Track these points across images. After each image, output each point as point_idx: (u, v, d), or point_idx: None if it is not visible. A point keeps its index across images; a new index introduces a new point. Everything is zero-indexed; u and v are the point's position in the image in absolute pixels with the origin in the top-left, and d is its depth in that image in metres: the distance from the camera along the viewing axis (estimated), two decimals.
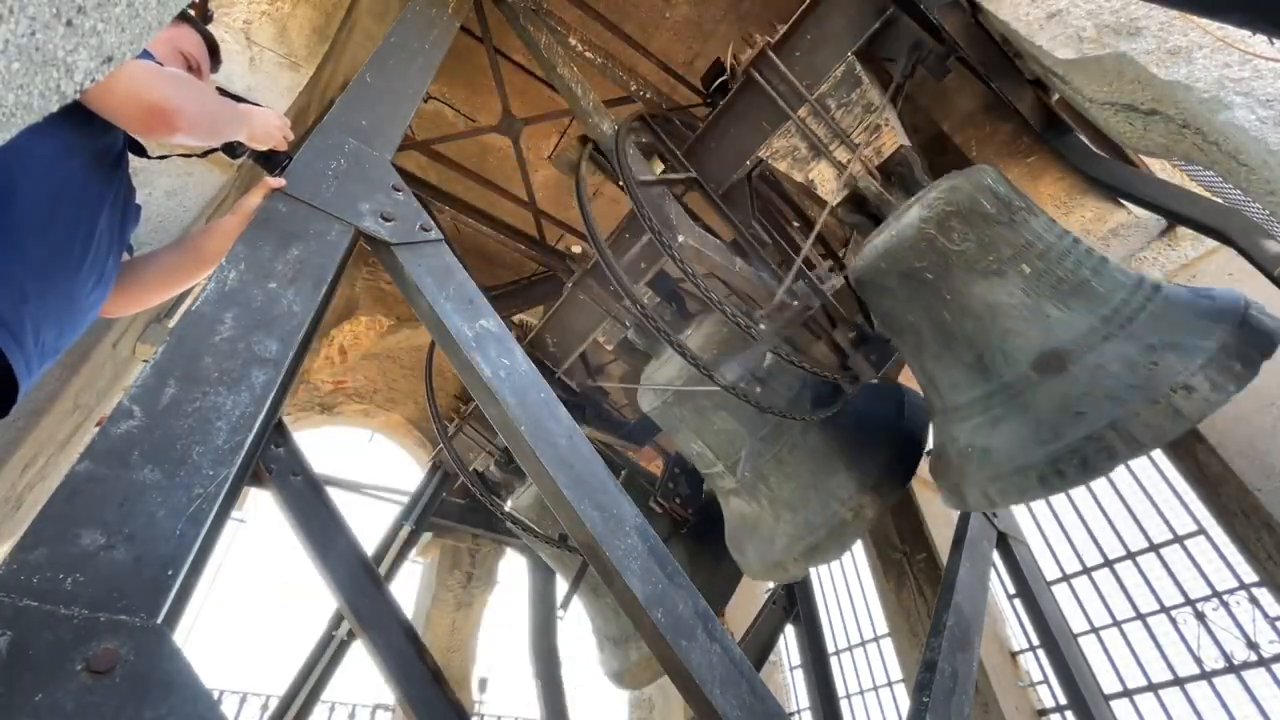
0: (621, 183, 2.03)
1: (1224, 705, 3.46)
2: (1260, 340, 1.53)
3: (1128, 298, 1.74)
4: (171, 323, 2.30)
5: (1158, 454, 3.75)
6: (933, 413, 2.21)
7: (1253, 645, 3.43)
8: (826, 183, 2.25)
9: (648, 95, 3.00)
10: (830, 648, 3.84)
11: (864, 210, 2.26)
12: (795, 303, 2.22)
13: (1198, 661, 3.59)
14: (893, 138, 2.19)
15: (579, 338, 2.84)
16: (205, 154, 1.83)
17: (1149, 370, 1.54)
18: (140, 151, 1.45)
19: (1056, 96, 2.81)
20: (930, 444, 2.42)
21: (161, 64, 1.30)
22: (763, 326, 2.04)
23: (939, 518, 4.55)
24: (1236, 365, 1.48)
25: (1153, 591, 3.89)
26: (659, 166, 2.47)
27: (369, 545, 2.69)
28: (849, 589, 5.84)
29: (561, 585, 3.46)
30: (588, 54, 2.82)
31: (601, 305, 2.69)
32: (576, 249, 3.50)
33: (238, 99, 1.48)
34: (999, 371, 1.81)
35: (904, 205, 2.02)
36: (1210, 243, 2.68)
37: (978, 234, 1.85)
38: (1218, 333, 1.55)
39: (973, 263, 1.84)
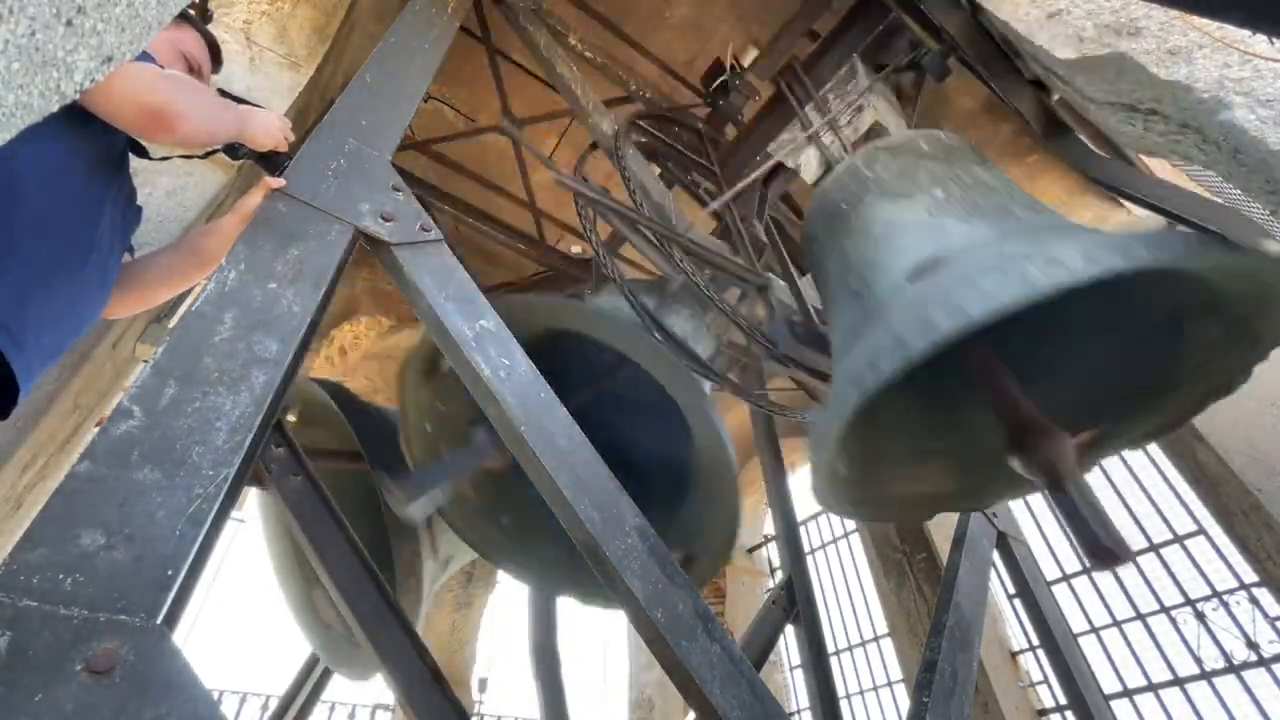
0: (631, 187, 2.03)
1: (1224, 705, 3.46)
2: (1194, 238, 1.17)
3: (1055, 223, 1.42)
4: (171, 323, 2.30)
5: (1158, 454, 3.75)
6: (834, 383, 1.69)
7: (1253, 645, 3.43)
8: (809, 165, 2.27)
9: (648, 95, 3.00)
10: (830, 648, 3.84)
11: None
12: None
13: (1198, 661, 3.60)
14: (871, 115, 2.17)
15: None
16: (206, 155, 1.84)
17: (1022, 257, 1.12)
18: (141, 153, 1.45)
19: (1056, 96, 2.81)
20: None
21: (162, 65, 1.31)
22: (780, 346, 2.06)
23: (939, 518, 4.55)
24: (1139, 248, 1.05)
25: (1153, 591, 3.89)
26: (657, 169, 2.49)
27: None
28: (849, 589, 5.85)
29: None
30: (588, 54, 2.82)
31: None
32: (576, 249, 3.50)
33: (238, 100, 1.48)
34: (876, 290, 1.46)
35: None
36: None
37: (901, 163, 1.66)
38: (1139, 232, 1.10)
39: (885, 186, 1.63)
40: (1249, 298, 1.21)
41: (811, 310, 2.29)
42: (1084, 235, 1.19)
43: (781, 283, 2.33)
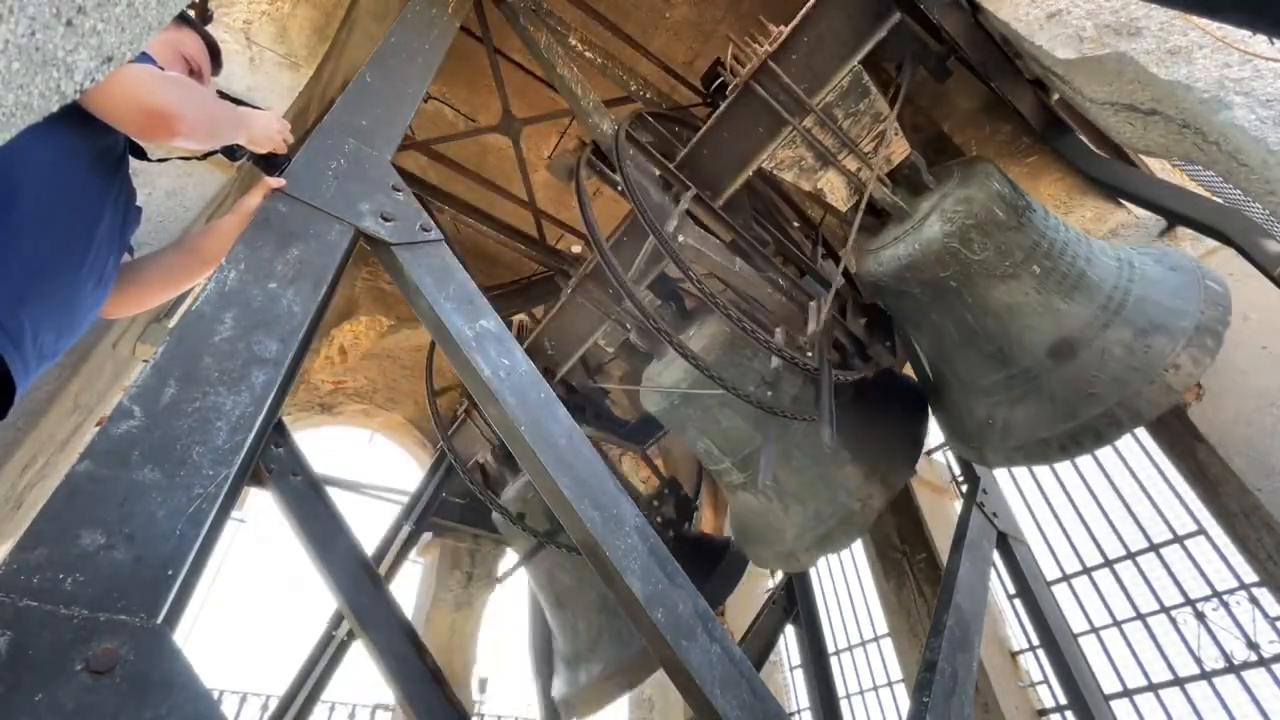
0: (621, 187, 2.02)
1: (1224, 705, 3.46)
2: (1221, 314, 1.92)
3: (1116, 283, 2.07)
4: (171, 323, 2.30)
5: (1158, 454, 3.75)
6: (944, 390, 2.41)
7: (1253, 645, 3.43)
8: (837, 190, 2.26)
9: (648, 95, 3.00)
10: (830, 648, 3.84)
11: (870, 210, 2.28)
12: (812, 307, 2.25)
13: (1198, 661, 3.60)
14: (902, 145, 2.26)
15: (578, 342, 2.81)
16: (205, 156, 1.83)
17: (1145, 354, 1.90)
18: (140, 154, 1.45)
19: (1056, 96, 2.81)
20: (936, 419, 2.58)
21: (162, 67, 1.30)
22: (810, 355, 2.08)
23: (939, 518, 4.56)
24: (1208, 340, 1.86)
25: (1153, 591, 3.89)
26: (657, 170, 2.46)
27: (369, 545, 2.69)
28: (849, 589, 5.84)
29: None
30: (588, 54, 2.82)
31: (601, 308, 2.67)
32: (576, 249, 3.51)
33: (238, 102, 1.48)
34: (1017, 359, 2.11)
35: (919, 213, 2.16)
36: (1210, 243, 2.68)
37: (994, 243, 2.08)
38: (1190, 313, 1.92)
39: (991, 270, 2.10)
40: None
41: (852, 313, 2.35)
42: (1164, 317, 2.00)
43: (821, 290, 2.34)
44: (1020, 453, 2.11)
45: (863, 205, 2.18)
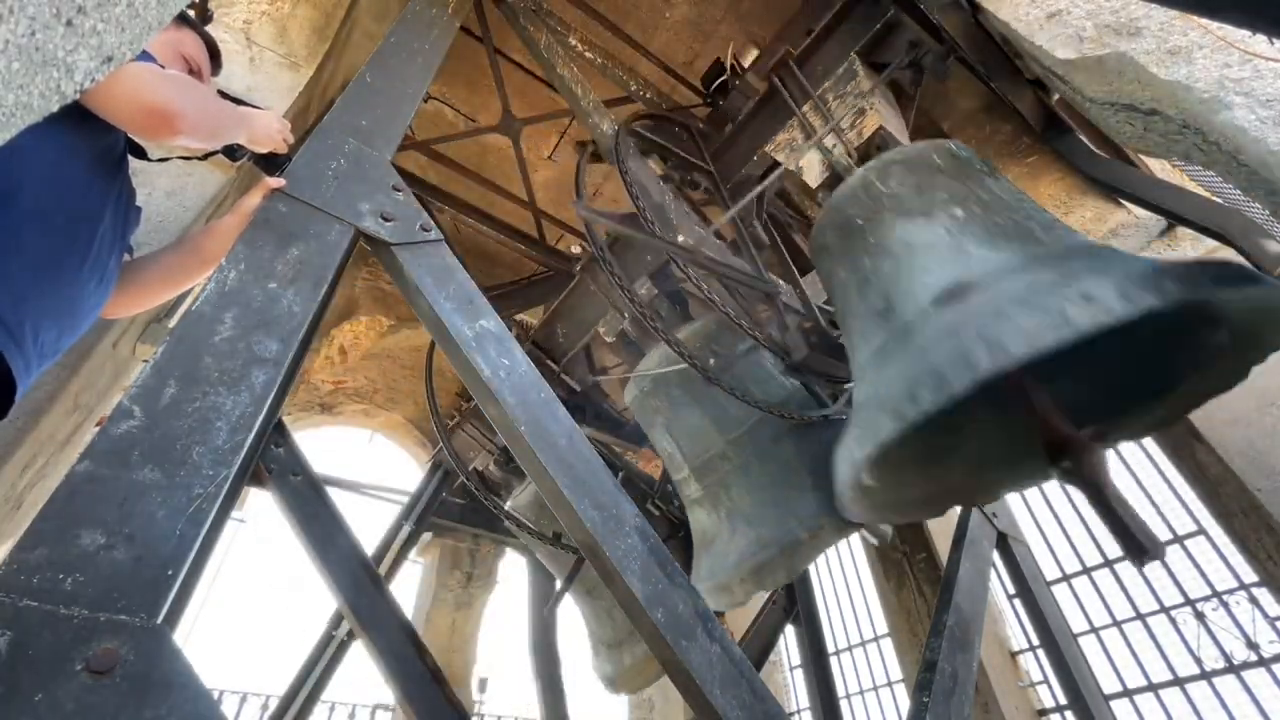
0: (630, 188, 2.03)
1: (1224, 705, 3.46)
2: (1219, 270, 1.15)
3: (1074, 245, 1.45)
4: (171, 323, 2.30)
5: (1158, 454, 3.75)
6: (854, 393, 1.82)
7: (1253, 645, 3.43)
8: (811, 168, 2.26)
9: (648, 95, 3.00)
10: (830, 648, 3.84)
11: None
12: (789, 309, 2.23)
13: (1198, 661, 3.60)
14: (875, 120, 2.15)
15: (584, 328, 2.84)
16: (205, 156, 1.83)
17: (1053, 288, 1.19)
18: (140, 153, 1.45)
19: (1056, 96, 2.81)
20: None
21: (162, 66, 1.31)
22: (791, 353, 2.06)
23: (939, 518, 4.55)
24: (1169, 283, 1.10)
25: (1153, 591, 3.89)
26: (658, 168, 2.48)
27: (369, 545, 2.69)
28: (849, 589, 5.85)
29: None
30: (588, 54, 2.82)
31: (606, 295, 2.70)
32: (576, 249, 3.50)
33: (238, 101, 1.48)
34: (900, 312, 1.51)
35: None
36: (1210, 243, 2.68)
37: (916, 179, 1.67)
38: (1160, 263, 1.18)
39: (901, 204, 1.65)
40: (1257, 313, 1.25)
41: (816, 311, 2.29)
42: (1111, 265, 1.24)
43: (786, 285, 2.33)
44: (860, 439, 1.33)
45: (821, 175, 2.18)
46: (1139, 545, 1.18)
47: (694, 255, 2.03)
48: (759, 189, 2.24)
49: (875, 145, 2.14)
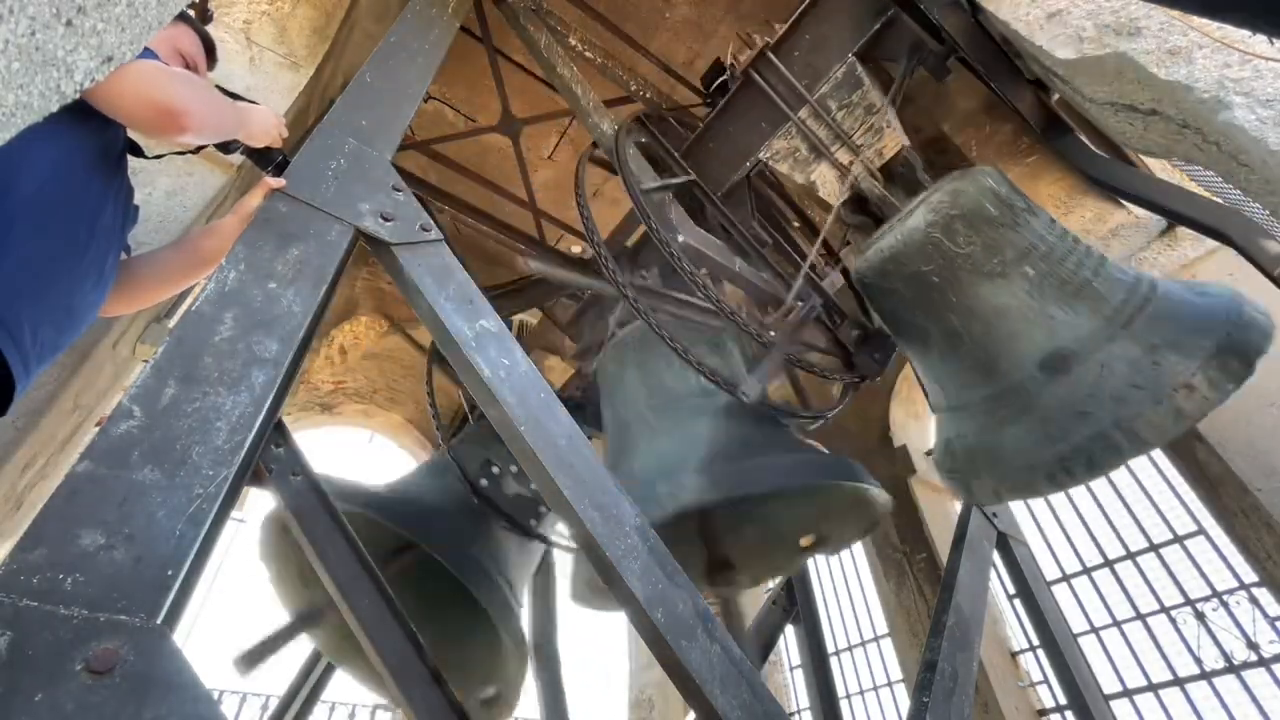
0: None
1: (1224, 705, 3.46)
2: (1255, 338, 1.55)
3: (1127, 297, 1.76)
4: (171, 323, 2.30)
5: (1158, 454, 3.75)
6: (937, 409, 2.21)
7: (1253, 645, 3.43)
8: (828, 184, 2.25)
9: (648, 95, 3.00)
10: (830, 648, 3.84)
11: (865, 210, 2.26)
12: (800, 303, 2.22)
13: (1198, 661, 3.59)
14: (895, 139, 2.19)
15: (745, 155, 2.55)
16: (197, 150, 1.83)
17: (1152, 370, 1.56)
18: (138, 152, 1.45)
19: (1056, 96, 2.81)
20: (932, 439, 2.36)
21: (164, 63, 1.31)
22: (773, 334, 2.04)
23: (939, 518, 4.56)
24: (1234, 363, 1.50)
25: (1153, 591, 3.89)
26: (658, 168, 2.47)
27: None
28: (849, 589, 5.84)
29: (562, 585, 3.45)
30: (588, 54, 2.82)
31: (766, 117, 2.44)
32: (576, 249, 3.51)
33: (234, 96, 1.48)
34: (1006, 372, 1.83)
35: (907, 207, 2.02)
36: (1210, 243, 2.68)
37: (982, 237, 1.89)
38: (1215, 331, 1.56)
39: (978, 266, 1.88)
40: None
41: (835, 300, 2.31)
42: (1181, 334, 1.64)
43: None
44: (1007, 482, 1.81)
45: (842, 194, 2.16)
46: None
47: (734, 278, 2.08)
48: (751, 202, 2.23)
49: (899, 165, 2.17)
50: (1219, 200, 2.52)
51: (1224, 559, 3.59)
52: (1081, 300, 1.78)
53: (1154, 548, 3.91)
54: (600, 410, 2.96)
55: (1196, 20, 1.64)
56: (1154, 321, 1.68)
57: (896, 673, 4.95)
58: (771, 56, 2.21)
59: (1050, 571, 4.13)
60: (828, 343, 2.38)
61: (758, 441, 2.08)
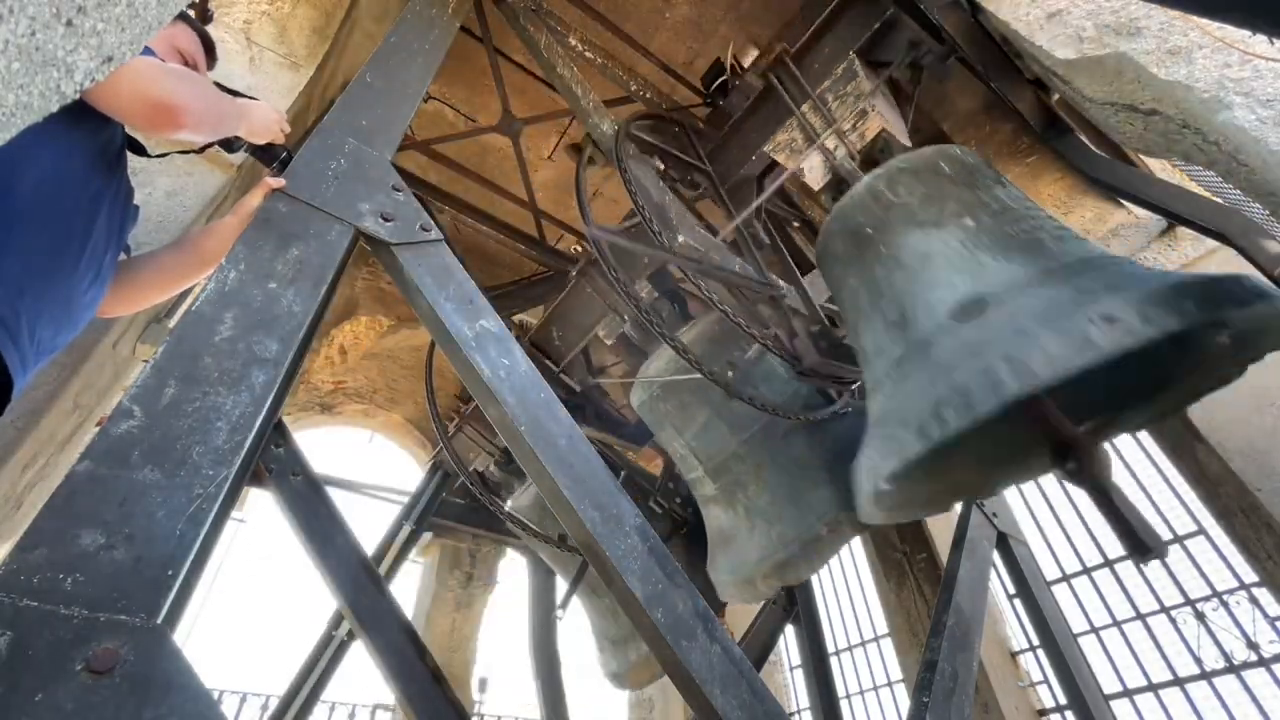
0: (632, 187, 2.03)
1: (1224, 705, 3.46)
2: (1231, 286, 1.17)
3: (1084, 257, 1.45)
4: (171, 323, 2.30)
5: (1158, 454, 3.75)
6: (868, 396, 1.85)
7: (1253, 645, 3.43)
8: (814, 170, 2.26)
9: (648, 95, 3.00)
10: (830, 648, 3.84)
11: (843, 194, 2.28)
12: (786, 299, 2.23)
13: (1198, 661, 3.60)
14: (877, 123, 2.16)
15: (582, 331, 2.84)
16: (202, 150, 1.83)
17: (1072, 305, 1.23)
18: (139, 150, 1.45)
19: (1056, 96, 2.81)
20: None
21: (162, 60, 1.30)
22: (799, 350, 2.05)
23: (939, 518, 4.55)
24: (1188, 303, 1.12)
25: (1153, 591, 3.89)
26: (658, 166, 2.48)
27: (369, 545, 2.69)
28: (849, 589, 5.84)
29: (561, 585, 3.46)
30: (588, 54, 2.82)
31: (604, 298, 2.70)
32: (576, 249, 3.51)
33: (234, 93, 1.48)
34: (918, 324, 1.52)
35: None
36: (1210, 243, 2.68)
37: (925, 187, 1.67)
38: (1174, 277, 1.20)
39: (912, 213, 1.64)
40: (1261, 322, 1.27)
41: (820, 312, 2.29)
42: (1126, 281, 1.28)
43: (789, 286, 2.33)
44: (884, 455, 1.36)
45: (824, 178, 2.17)
46: (1142, 544, 1.20)
47: (702, 264, 2.04)
48: (763, 196, 2.24)
49: (878, 148, 2.14)
50: (1219, 200, 2.53)
51: (1224, 559, 3.59)
52: (1023, 253, 1.48)
53: None
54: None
55: (1196, 20, 1.64)
56: (1104, 273, 1.34)
57: (896, 673, 4.95)
58: (790, 64, 2.29)
59: (1050, 571, 4.13)
60: (828, 344, 2.38)
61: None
